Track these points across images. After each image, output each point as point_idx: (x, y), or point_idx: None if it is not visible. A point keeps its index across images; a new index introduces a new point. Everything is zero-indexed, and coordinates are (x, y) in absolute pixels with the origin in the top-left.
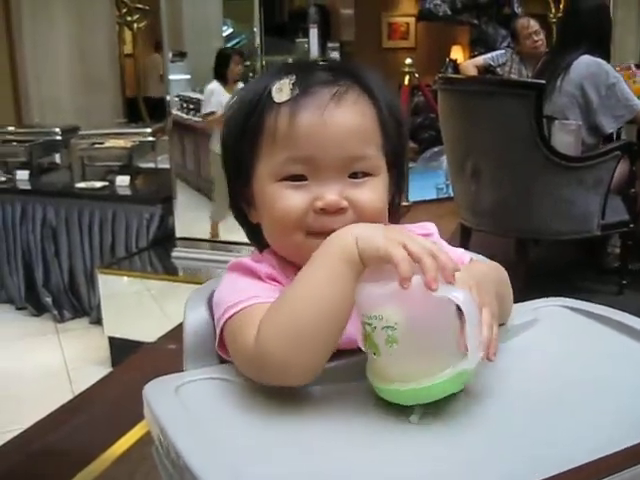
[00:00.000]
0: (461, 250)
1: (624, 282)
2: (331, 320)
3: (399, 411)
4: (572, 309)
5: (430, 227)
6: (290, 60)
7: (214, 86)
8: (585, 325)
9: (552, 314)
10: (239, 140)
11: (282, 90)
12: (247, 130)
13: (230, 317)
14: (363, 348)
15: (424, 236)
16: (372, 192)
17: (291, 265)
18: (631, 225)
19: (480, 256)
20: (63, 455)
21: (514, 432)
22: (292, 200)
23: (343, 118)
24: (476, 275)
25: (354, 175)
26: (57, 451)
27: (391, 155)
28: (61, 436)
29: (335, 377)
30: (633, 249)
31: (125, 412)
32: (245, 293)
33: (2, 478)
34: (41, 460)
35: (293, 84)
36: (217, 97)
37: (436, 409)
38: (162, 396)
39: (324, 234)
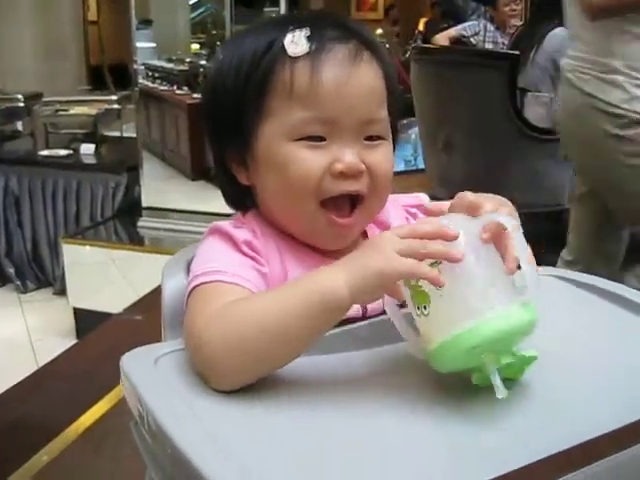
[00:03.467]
0: None
1: None
2: (286, 350)
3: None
4: (561, 278)
5: (423, 198)
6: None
7: None
8: (575, 294)
9: (543, 284)
10: (238, 95)
11: (297, 43)
12: (250, 84)
13: (195, 287)
14: (414, 313)
15: (416, 207)
16: (385, 156)
17: (274, 230)
18: None
19: None
20: (27, 429)
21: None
22: (310, 162)
23: (364, 78)
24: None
25: (369, 138)
26: (20, 425)
27: (390, 121)
28: (24, 409)
29: (328, 346)
30: None
31: (91, 384)
32: (215, 264)
33: None
34: (4, 434)
35: (308, 37)
36: None
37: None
38: (141, 368)
39: (336, 204)
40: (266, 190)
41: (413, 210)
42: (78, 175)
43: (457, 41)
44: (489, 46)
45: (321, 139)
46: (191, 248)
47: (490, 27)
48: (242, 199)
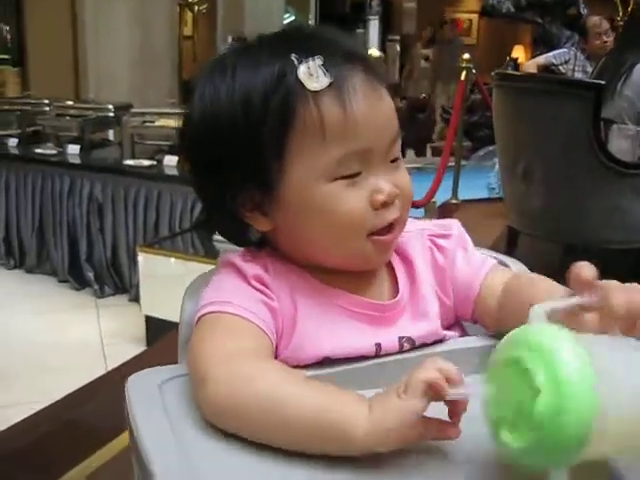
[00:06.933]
0: (483, 256)
1: None
2: (287, 445)
3: None
4: None
5: (452, 225)
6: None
7: None
8: None
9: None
10: (251, 137)
11: (315, 76)
12: (266, 125)
13: (202, 316)
14: None
15: (442, 237)
16: (406, 174)
17: (290, 267)
18: None
19: (520, 264)
20: (90, 428)
21: None
22: (353, 201)
23: (384, 99)
24: None
25: (392, 160)
26: (85, 424)
27: None
28: (90, 410)
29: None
30: None
31: None
32: (223, 294)
33: (30, 446)
34: (69, 432)
35: (322, 67)
36: None
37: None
38: (143, 394)
39: (382, 233)
40: (299, 233)
41: (438, 240)
42: (160, 186)
43: (546, 69)
44: (578, 75)
45: (357, 173)
46: (211, 272)
47: (580, 56)
48: (250, 239)
